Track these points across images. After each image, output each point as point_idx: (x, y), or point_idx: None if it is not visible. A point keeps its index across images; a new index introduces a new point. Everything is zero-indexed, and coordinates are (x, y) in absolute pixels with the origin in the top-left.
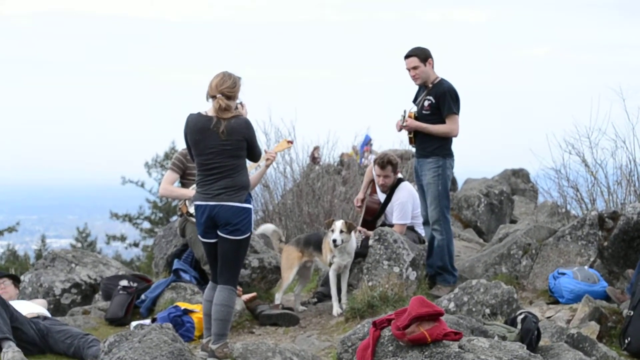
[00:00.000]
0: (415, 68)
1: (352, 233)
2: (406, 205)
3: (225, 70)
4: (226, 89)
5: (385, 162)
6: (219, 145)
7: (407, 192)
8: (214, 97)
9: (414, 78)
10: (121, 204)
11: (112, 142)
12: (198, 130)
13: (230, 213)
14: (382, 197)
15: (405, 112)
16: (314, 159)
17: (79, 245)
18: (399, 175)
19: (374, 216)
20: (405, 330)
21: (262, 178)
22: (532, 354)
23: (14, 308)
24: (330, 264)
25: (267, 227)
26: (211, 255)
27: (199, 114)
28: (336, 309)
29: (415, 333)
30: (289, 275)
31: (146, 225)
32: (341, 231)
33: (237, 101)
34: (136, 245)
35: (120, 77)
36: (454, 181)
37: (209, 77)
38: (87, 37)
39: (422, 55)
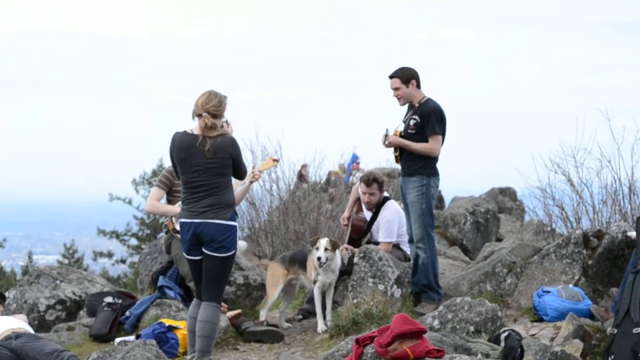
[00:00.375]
0: (397, 89)
1: (337, 251)
2: (392, 223)
3: (212, 89)
4: (212, 107)
5: (371, 179)
6: (204, 164)
7: (392, 211)
8: (199, 115)
9: (397, 98)
10: (108, 221)
11: (100, 159)
12: (184, 148)
13: (215, 230)
14: (368, 215)
15: (387, 130)
16: (302, 177)
17: (66, 261)
18: (385, 194)
19: (360, 234)
20: (387, 347)
21: (247, 195)
22: None
23: None
24: (315, 282)
25: (240, 246)
26: (196, 273)
27: (185, 132)
28: (321, 326)
29: (397, 350)
30: (274, 292)
31: (133, 242)
32: (326, 249)
33: (223, 119)
34: (123, 261)
35: (107, 95)
36: (441, 199)
37: (196, 95)
38: (73, 56)
39: (404, 76)
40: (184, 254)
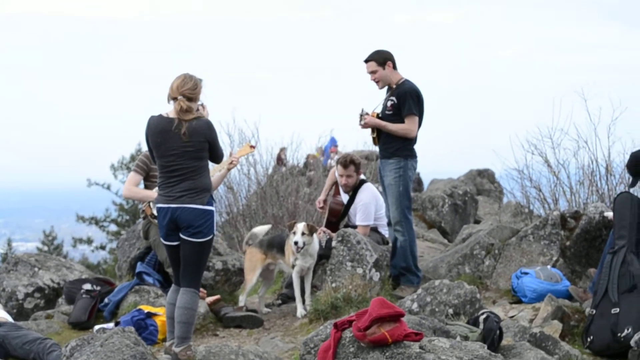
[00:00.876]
0: (373, 72)
1: (315, 235)
2: (369, 206)
3: (187, 73)
4: (187, 90)
5: (348, 161)
6: (180, 147)
7: (370, 193)
8: (175, 99)
9: (375, 81)
10: (87, 207)
11: (78, 144)
12: (159, 132)
13: (193, 215)
14: (345, 198)
15: (362, 109)
16: (280, 161)
17: (46, 248)
18: (362, 177)
19: (337, 217)
20: (366, 331)
21: (225, 180)
22: (493, 353)
23: None
24: (293, 266)
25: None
26: (174, 258)
27: (160, 115)
28: (300, 311)
29: (376, 334)
30: (252, 277)
31: (113, 227)
32: (303, 233)
33: (199, 103)
34: (103, 248)
35: (84, 80)
36: (420, 182)
37: (172, 78)
38: (48, 41)
39: (379, 59)
40: (162, 239)
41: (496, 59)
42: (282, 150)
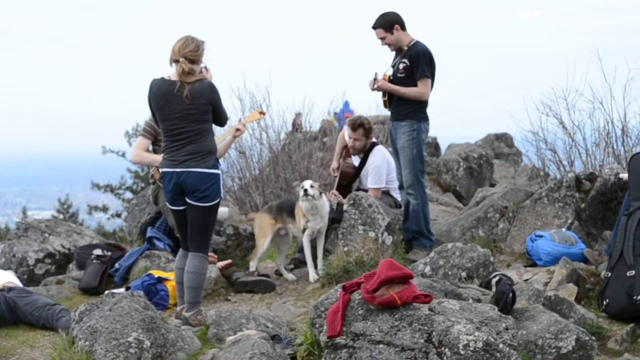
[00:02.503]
0: (383, 38)
1: (324, 196)
2: (381, 169)
3: (188, 34)
4: (189, 52)
5: (357, 124)
6: (183, 110)
7: (381, 156)
8: (176, 61)
9: (387, 46)
10: (102, 175)
11: (92, 112)
12: (162, 95)
13: (198, 179)
14: (356, 161)
15: (376, 74)
16: (296, 126)
17: (61, 216)
18: (373, 140)
19: (349, 180)
20: (374, 293)
21: (237, 144)
22: (503, 315)
23: None
24: (304, 230)
25: (221, 213)
26: (180, 223)
27: (162, 78)
28: (312, 275)
29: (384, 296)
30: (263, 242)
31: (128, 195)
32: (311, 186)
33: (202, 65)
34: (118, 215)
35: (98, 47)
36: (437, 146)
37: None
38: (64, 7)
39: (386, 24)
40: (167, 204)
41: (517, 22)
42: (298, 115)
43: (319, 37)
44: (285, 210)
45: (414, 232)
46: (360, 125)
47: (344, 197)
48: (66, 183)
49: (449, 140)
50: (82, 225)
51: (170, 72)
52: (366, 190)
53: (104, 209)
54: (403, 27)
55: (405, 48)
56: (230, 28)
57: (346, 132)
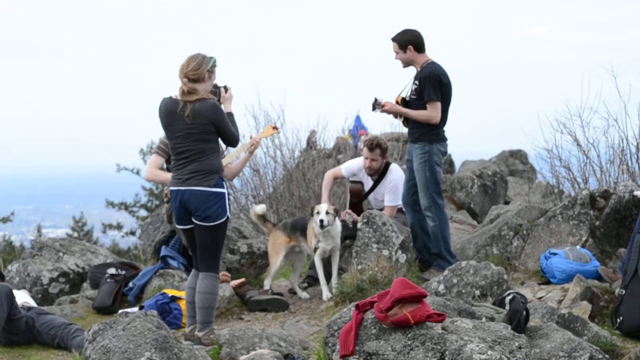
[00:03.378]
0: (397, 53)
1: (337, 218)
2: (399, 187)
3: (196, 53)
4: (190, 72)
5: (375, 144)
6: (185, 129)
7: (399, 175)
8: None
9: (399, 60)
10: (117, 192)
11: (106, 130)
12: (167, 113)
13: (200, 198)
14: (367, 181)
15: (375, 100)
16: (310, 144)
17: (75, 234)
18: (388, 160)
19: (358, 197)
20: (387, 312)
21: (251, 162)
22: (516, 334)
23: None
24: (316, 249)
25: (261, 209)
26: (190, 242)
27: (170, 97)
28: (325, 294)
29: (397, 315)
30: (276, 260)
31: (142, 213)
32: (327, 212)
33: (221, 85)
34: (133, 233)
35: (113, 64)
36: (451, 163)
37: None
38: (81, 20)
39: (401, 41)
40: (175, 223)
41: (529, 38)
42: (313, 133)
43: (331, 53)
44: (299, 228)
45: (434, 254)
46: (378, 146)
47: (357, 215)
48: (81, 201)
49: (463, 157)
50: (97, 244)
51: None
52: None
53: (119, 226)
54: (418, 49)
55: (419, 69)
56: (244, 44)
57: (362, 152)
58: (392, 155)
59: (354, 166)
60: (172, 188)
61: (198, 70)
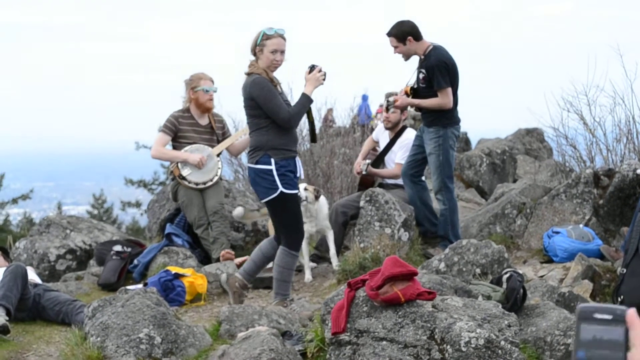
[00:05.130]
0: (395, 47)
1: (321, 199)
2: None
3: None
4: (252, 47)
5: (388, 105)
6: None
7: (413, 136)
8: None
9: (399, 54)
10: (136, 170)
11: (126, 106)
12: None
13: (250, 176)
14: (384, 140)
15: (387, 101)
16: (328, 121)
17: (95, 212)
18: (405, 123)
19: (368, 187)
20: (378, 290)
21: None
22: (506, 312)
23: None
24: None
25: (237, 213)
26: None
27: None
28: (307, 276)
29: (388, 293)
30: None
31: None
32: (305, 189)
33: (312, 64)
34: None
35: (132, 42)
36: (467, 141)
37: (217, 38)
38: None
39: (399, 34)
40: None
41: (548, 15)
42: (329, 111)
43: (340, 31)
44: None
45: (440, 237)
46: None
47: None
48: (101, 178)
49: (480, 134)
50: (116, 221)
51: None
52: (384, 186)
53: (137, 204)
54: (417, 38)
55: (423, 57)
56: (254, 19)
57: (375, 132)
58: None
59: (379, 127)
60: None
61: (250, 46)
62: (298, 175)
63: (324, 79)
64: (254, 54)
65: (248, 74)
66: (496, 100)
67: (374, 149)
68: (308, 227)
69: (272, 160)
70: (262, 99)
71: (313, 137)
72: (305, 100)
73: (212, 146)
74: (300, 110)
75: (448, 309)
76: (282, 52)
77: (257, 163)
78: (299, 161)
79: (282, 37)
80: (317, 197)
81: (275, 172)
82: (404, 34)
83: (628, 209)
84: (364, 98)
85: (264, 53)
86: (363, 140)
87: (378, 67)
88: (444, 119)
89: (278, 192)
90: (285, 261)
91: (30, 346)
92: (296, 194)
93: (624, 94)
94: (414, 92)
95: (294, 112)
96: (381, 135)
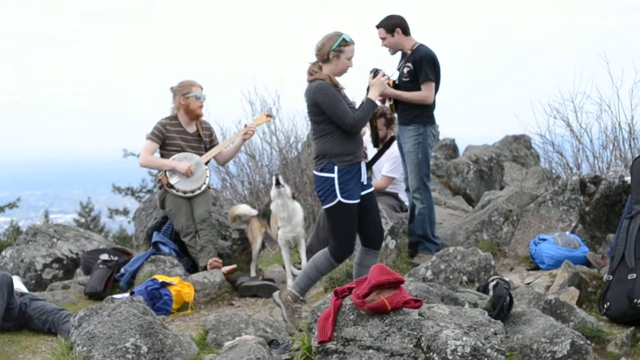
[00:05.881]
0: (383, 39)
1: (297, 204)
2: (399, 159)
3: (332, 32)
4: (316, 51)
5: (379, 114)
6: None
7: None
8: None
9: (386, 48)
10: (124, 178)
11: (114, 114)
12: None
13: (315, 181)
14: (371, 152)
15: (373, 70)
16: None
17: (83, 220)
18: (393, 134)
19: None
20: (365, 298)
21: (246, 148)
22: (492, 320)
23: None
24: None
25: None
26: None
27: None
28: (289, 283)
29: (375, 301)
30: (255, 246)
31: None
32: (278, 182)
33: (375, 68)
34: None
35: (119, 49)
36: (455, 148)
37: (204, 46)
38: (85, 7)
39: (388, 25)
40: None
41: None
42: None
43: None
44: (267, 216)
45: (420, 237)
46: (382, 115)
47: None
48: (89, 186)
49: (468, 142)
50: (104, 229)
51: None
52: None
53: (125, 212)
54: (405, 32)
55: (409, 52)
56: (239, 26)
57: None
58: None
59: (366, 137)
60: None
61: (321, 50)
62: (362, 180)
63: (387, 83)
64: (325, 59)
65: (311, 80)
66: (483, 106)
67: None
68: (283, 233)
69: (336, 168)
70: (327, 105)
71: (376, 142)
72: (370, 106)
73: (200, 154)
74: (365, 115)
75: (434, 316)
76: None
77: (321, 171)
78: (363, 166)
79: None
80: (293, 197)
81: (336, 181)
82: (393, 25)
83: (614, 216)
84: None
85: (341, 59)
86: None
87: (362, 74)
88: (424, 117)
89: (336, 201)
90: (322, 264)
91: (17, 356)
92: (355, 204)
93: (610, 101)
94: (396, 87)
95: (359, 118)
96: (369, 147)
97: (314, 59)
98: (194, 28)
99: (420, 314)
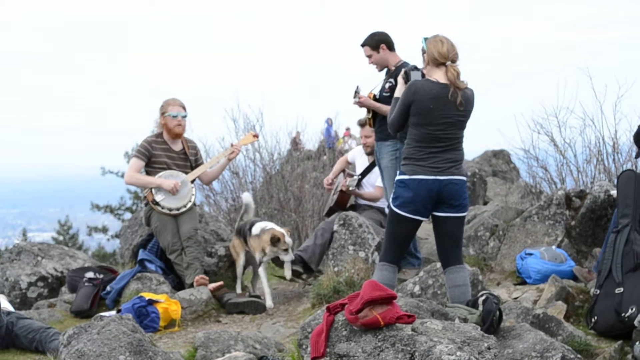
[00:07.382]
0: (369, 56)
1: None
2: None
3: (436, 34)
4: (455, 55)
5: (364, 121)
6: (455, 116)
7: None
8: (443, 64)
9: (373, 65)
10: (102, 195)
11: (92, 132)
12: (432, 98)
13: (460, 187)
14: (363, 164)
15: (357, 87)
16: (296, 145)
17: (61, 238)
18: None
19: (343, 208)
20: (358, 314)
21: (230, 165)
22: (485, 334)
23: None
24: (261, 263)
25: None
26: (413, 233)
27: (429, 80)
28: (268, 303)
29: (368, 317)
30: (238, 263)
31: (127, 216)
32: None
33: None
34: (118, 236)
35: (97, 67)
36: None
37: (189, 61)
38: (59, 25)
39: (372, 43)
40: (410, 214)
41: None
42: (298, 134)
43: (312, 55)
44: (243, 234)
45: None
46: (368, 122)
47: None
48: (66, 204)
49: None
50: (82, 247)
51: (436, 74)
52: (356, 208)
53: (104, 230)
54: (390, 48)
55: (393, 68)
56: (223, 43)
57: (350, 153)
58: None
59: (355, 150)
60: (426, 177)
61: (449, 52)
62: None
63: (368, 96)
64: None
65: (465, 88)
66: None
67: (343, 170)
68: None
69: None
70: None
71: None
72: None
73: (186, 172)
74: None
75: (428, 332)
76: None
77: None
78: None
79: None
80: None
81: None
82: (377, 42)
83: (600, 230)
84: (327, 122)
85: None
86: (332, 164)
87: (348, 90)
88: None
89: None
90: (467, 277)
91: None
92: None
93: (593, 116)
94: (375, 100)
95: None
96: (359, 158)
97: (449, 62)
98: (174, 49)
99: (413, 329)
